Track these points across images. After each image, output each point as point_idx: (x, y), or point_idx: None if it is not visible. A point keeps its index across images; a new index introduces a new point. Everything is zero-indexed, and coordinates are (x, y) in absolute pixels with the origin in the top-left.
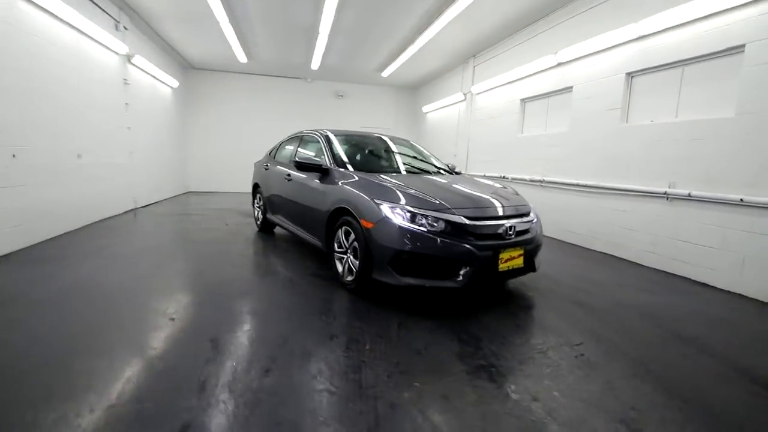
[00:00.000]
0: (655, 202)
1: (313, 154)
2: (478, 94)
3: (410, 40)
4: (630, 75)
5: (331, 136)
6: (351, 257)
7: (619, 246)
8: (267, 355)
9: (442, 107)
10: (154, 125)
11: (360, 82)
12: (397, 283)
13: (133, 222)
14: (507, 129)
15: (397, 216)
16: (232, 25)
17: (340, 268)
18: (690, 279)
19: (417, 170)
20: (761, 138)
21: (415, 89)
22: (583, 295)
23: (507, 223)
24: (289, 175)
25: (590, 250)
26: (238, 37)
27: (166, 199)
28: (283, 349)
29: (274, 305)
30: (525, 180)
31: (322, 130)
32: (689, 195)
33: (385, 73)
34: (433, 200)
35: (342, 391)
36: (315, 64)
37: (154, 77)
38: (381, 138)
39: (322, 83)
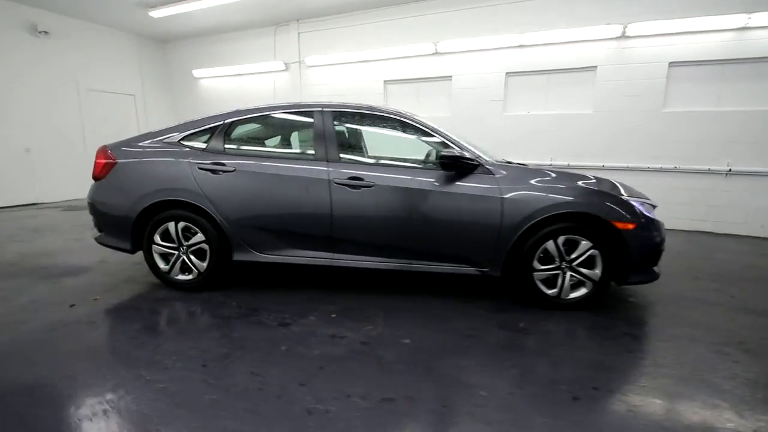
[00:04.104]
0: None
1: (398, 144)
2: (313, 66)
3: None
4: (508, 74)
5: (415, 115)
6: (583, 270)
7: None
8: None
9: (240, 74)
10: None
11: (81, 16)
12: (653, 279)
13: None
14: None
15: (646, 210)
16: None
17: (547, 289)
18: None
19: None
20: (609, 128)
21: (169, 42)
22: None
23: None
24: (357, 179)
25: None
26: None
27: None
28: None
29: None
30: None
31: (384, 107)
32: (568, 165)
33: (157, 14)
34: (633, 188)
35: None
36: None
37: None
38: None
39: None
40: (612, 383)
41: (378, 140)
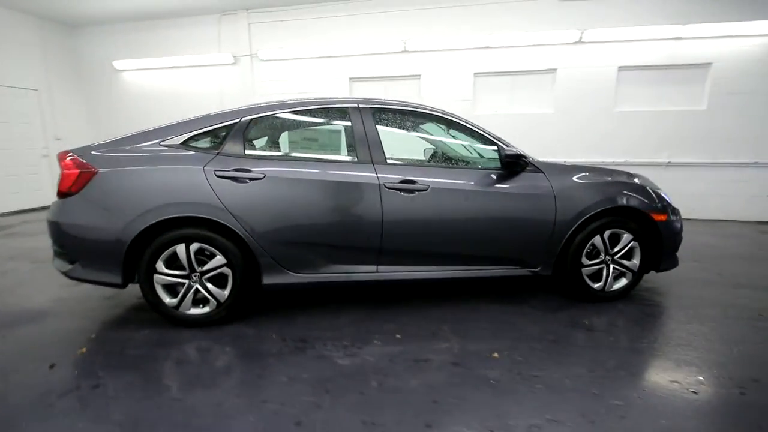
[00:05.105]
0: None
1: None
2: (268, 61)
3: None
4: (476, 74)
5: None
6: (625, 262)
7: None
8: None
9: (176, 67)
10: None
11: None
12: (676, 264)
13: None
14: None
15: (669, 199)
16: None
17: (593, 283)
18: None
19: None
20: (568, 126)
21: (81, 28)
22: None
23: None
24: (410, 182)
25: None
26: None
27: None
28: None
29: None
30: None
31: (426, 104)
32: None
33: None
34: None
35: None
36: None
37: None
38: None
39: None
40: (708, 371)
41: (420, 140)
